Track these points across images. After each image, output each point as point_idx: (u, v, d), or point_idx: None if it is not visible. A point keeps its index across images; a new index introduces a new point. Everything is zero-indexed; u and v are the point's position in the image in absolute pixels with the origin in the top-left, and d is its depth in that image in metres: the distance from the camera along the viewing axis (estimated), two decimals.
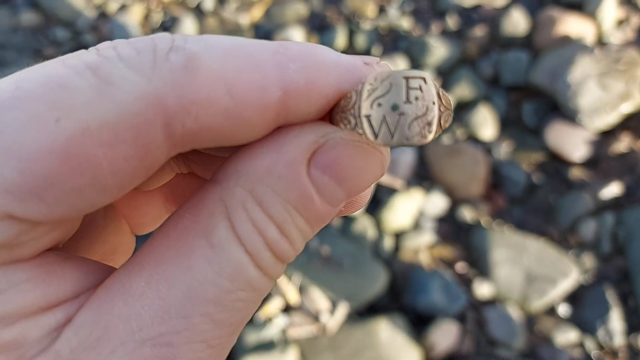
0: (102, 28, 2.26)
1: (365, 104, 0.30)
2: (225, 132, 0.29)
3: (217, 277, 0.29)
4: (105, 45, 0.29)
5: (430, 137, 0.30)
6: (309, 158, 0.31)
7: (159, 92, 0.26)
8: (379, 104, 0.30)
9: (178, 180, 0.45)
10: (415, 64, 2.20)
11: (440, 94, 0.32)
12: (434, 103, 0.31)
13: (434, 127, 0.31)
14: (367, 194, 0.38)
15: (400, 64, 2.17)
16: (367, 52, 2.25)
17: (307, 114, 0.31)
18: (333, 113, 0.33)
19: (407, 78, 0.31)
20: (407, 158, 1.99)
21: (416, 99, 0.30)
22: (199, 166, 0.44)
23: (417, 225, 1.90)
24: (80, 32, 2.26)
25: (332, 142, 0.31)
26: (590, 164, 2.00)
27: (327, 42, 2.25)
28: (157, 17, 2.29)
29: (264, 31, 2.30)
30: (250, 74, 0.28)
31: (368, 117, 0.30)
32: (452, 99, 2.08)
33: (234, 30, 2.29)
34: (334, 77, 0.31)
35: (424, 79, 0.31)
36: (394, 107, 0.30)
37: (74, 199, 0.27)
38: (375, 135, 0.30)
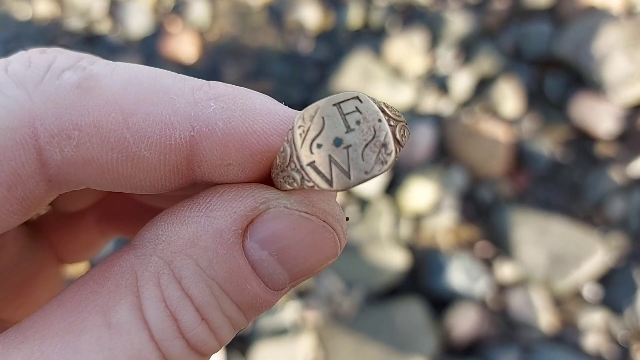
0: (115, 16, 2.25)
1: (303, 150, 0.25)
2: (118, 171, 0.24)
3: None
4: (14, 57, 0.26)
5: (391, 160, 0.26)
6: (245, 228, 0.26)
7: (36, 110, 0.22)
8: (319, 145, 0.25)
9: (112, 199, 0.39)
10: (434, 39, 2.13)
11: (384, 106, 0.27)
12: (379, 120, 0.26)
13: (392, 146, 0.26)
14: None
15: (417, 40, 2.10)
16: (383, 30, 2.19)
17: (224, 166, 0.26)
18: (273, 174, 0.28)
19: (337, 104, 0.26)
20: (425, 137, 1.94)
21: (357, 123, 0.26)
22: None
23: (436, 207, 1.86)
24: (94, 21, 2.25)
25: (275, 211, 0.26)
26: (617, 139, 1.91)
27: (342, 18, 2.20)
28: (169, 2, 2.27)
29: (277, 11, 2.25)
30: (155, 105, 0.24)
31: (312, 164, 0.25)
32: (470, 75, 2.02)
33: (246, 12, 2.25)
34: (262, 125, 0.26)
35: (358, 98, 0.26)
36: (337, 142, 0.25)
37: None
38: (330, 182, 0.25)
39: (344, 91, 0.27)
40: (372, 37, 2.19)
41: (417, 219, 1.84)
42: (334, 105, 0.26)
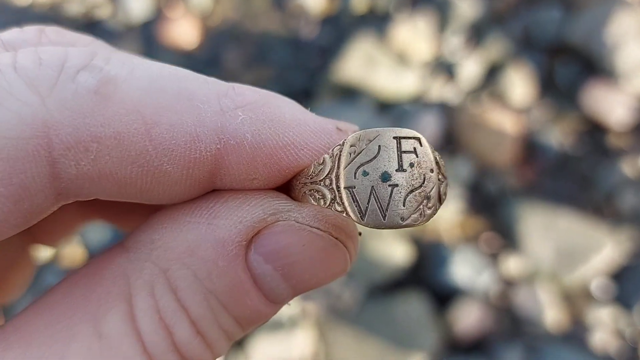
0: (116, 0, 2.21)
1: (347, 172, 0.23)
2: (135, 186, 0.22)
3: None
4: (9, 37, 0.24)
5: (429, 214, 0.24)
6: (250, 239, 0.24)
7: (51, 119, 0.20)
8: (365, 172, 0.23)
9: None
10: (441, 24, 2.07)
11: (438, 158, 0.25)
12: (432, 170, 0.24)
13: (434, 201, 0.24)
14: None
15: (424, 25, 2.04)
16: (388, 14, 2.13)
17: (249, 181, 0.24)
18: (294, 182, 0.26)
19: (398, 139, 0.24)
20: (430, 126, 1.89)
21: (411, 165, 0.24)
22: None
23: None
24: (94, 6, 2.22)
25: (284, 224, 0.24)
26: (629, 129, 1.85)
27: (346, 3, 2.14)
28: None
29: None
30: (180, 114, 0.21)
31: (351, 189, 0.23)
32: (478, 62, 1.96)
33: (246, 0, 2.20)
34: (292, 138, 0.24)
35: (419, 140, 0.24)
36: (385, 177, 0.23)
37: None
38: (362, 215, 0.23)
39: (406, 128, 0.25)
40: (377, 21, 2.13)
41: None
42: (395, 138, 0.24)
